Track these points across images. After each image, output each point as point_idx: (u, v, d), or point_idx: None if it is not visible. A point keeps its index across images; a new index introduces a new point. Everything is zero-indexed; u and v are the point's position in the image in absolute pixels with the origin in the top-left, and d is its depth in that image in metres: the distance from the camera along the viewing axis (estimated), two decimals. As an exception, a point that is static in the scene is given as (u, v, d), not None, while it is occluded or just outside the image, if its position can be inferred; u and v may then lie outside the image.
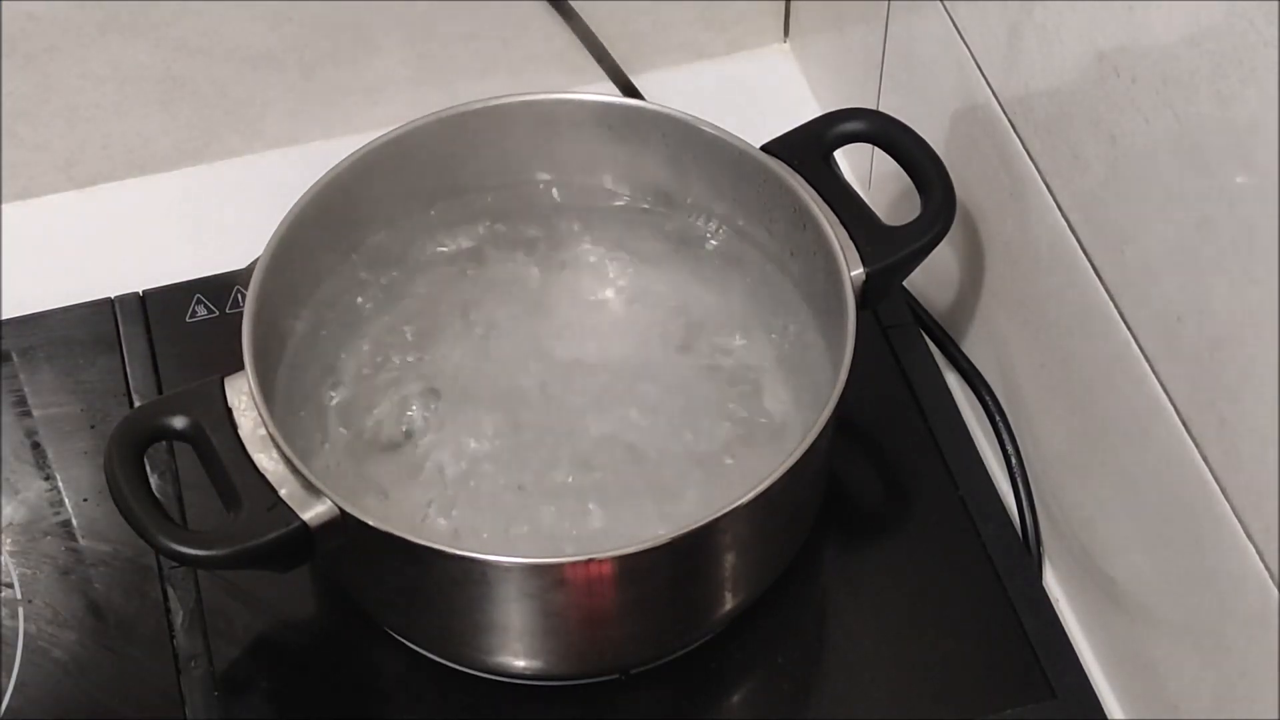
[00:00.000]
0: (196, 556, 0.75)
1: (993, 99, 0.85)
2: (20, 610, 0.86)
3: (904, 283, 0.90)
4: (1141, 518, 0.80)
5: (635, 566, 0.76)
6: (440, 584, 0.78)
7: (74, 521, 0.89)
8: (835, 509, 0.87)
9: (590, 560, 0.74)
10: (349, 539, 0.76)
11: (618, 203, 0.91)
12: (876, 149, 0.93)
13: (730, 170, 0.87)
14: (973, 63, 0.86)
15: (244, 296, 0.81)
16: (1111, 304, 0.78)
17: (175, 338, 0.95)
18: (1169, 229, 0.71)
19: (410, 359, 0.87)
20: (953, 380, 0.95)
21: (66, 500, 0.89)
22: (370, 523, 0.74)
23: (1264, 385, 0.67)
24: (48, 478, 0.90)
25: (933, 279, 0.95)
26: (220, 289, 0.97)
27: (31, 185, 1.05)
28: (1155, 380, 0.75)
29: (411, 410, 0.86)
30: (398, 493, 0.83)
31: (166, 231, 1.04)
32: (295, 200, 0.83)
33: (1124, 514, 0.82)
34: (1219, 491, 0.72)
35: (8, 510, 0.89)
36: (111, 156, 1.05)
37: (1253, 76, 0.63)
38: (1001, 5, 0.82)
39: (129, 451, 0.76)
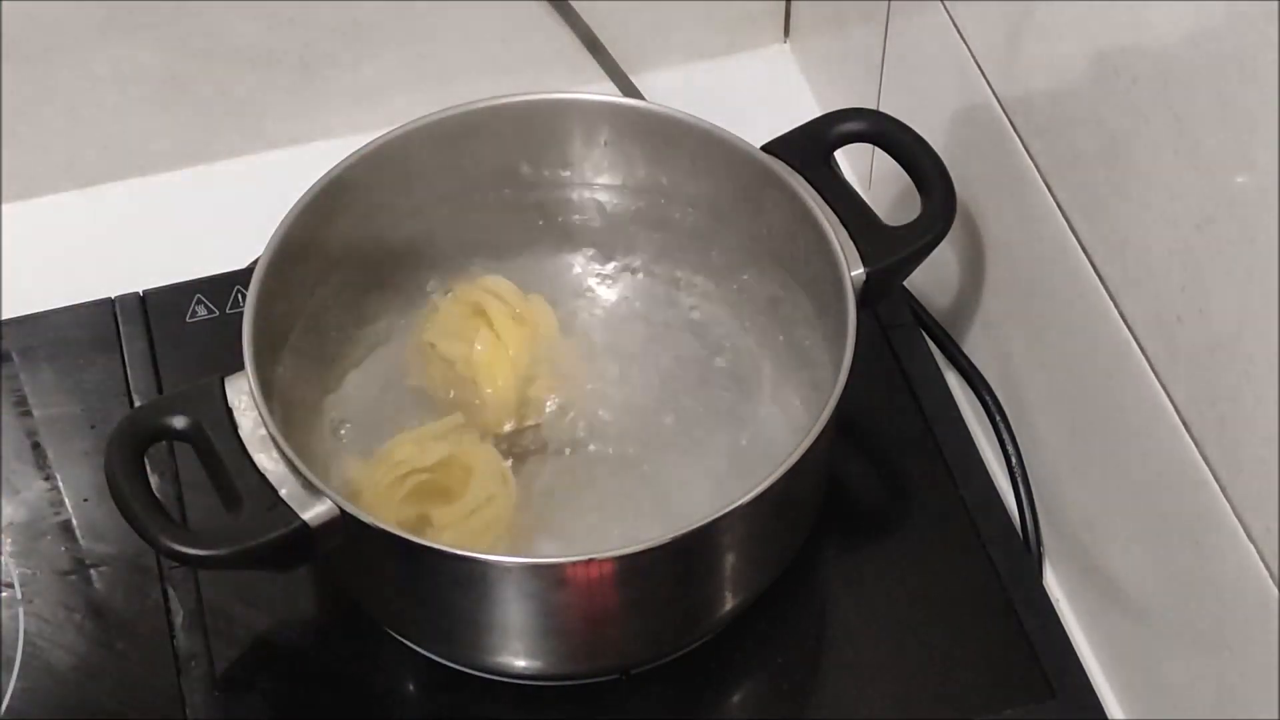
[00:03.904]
0: (196, 556, 0.75)
1: (993, 99, 0.85)
2: (20, 610, 0.86)
3: (904, 283, 0.90)
4: (1141, 518, 0.80)
5: (635, 566, 0.76)
6: (440, 584, 0.78)
7: (74, 521, 0.89)
8: (835, 509, 0.87)
9: (590, 560, 0.74)
10: (349, 539, 0.76)
11: (617, 202, 0.91)
12: (876, 149, 0.93)
13: (730, 170, 0.87)
14: (973, 63, 0.86)
15: (244, 296, 0.81)
16: (1111, 304, 0.78)
17: (175, 338, 0.95)
18: (1169, 229, 0.71)
19: (411, 356, 0.88)
20: (953, 380, 0.95)
21: (66, 500, 0.89)
22: (370, 523, 0.74)
23: (1264, 385, 0.67)
24: (48, 478, 0.90)
25: (933, 279, 0.95)
26: (220, 289, 0.97)
27: (31, 185, 1.05)
28: (1155, 380, 0.75)
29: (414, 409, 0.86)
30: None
31: (166, 231, 1.04)
32: (295, 200, 0.84)
33: (1124, 514, 0.82)
34: (1219, 491, 0.72)
35: (8, 510, 0.89)
36: (111, 156, 1.05)
37: (1253, 76, 0.63)
38: (1001, 5, 0.82)
39: (129, 451, 0.76)
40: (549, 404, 0.86)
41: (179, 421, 0.77)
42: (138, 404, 0.92)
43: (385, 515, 0.77)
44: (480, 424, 0.85)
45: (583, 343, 0.88)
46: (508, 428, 0.85)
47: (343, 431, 0.85)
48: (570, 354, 0.86)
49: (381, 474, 0.81)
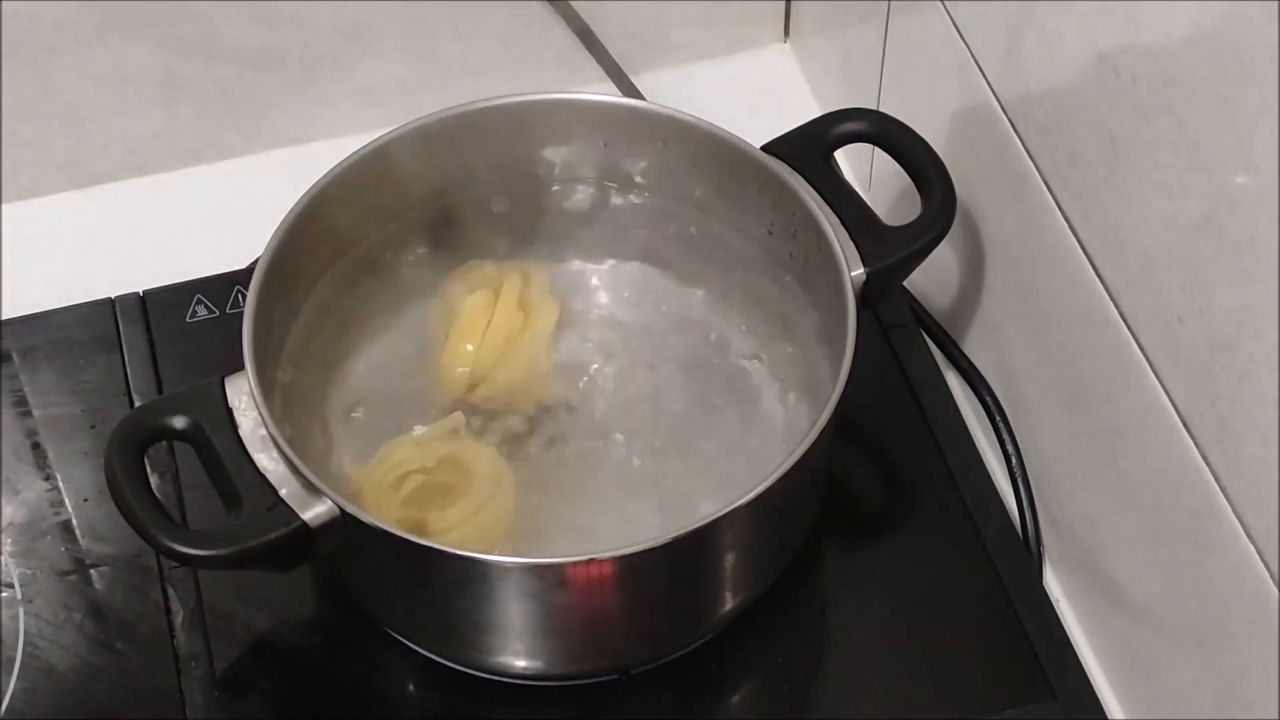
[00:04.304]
0: (196, 556, 0.75)
1: (993, 99, 0.85)
2: (20, 610, 0.86)
3: (904, 283, 0.90)
4: (1141, 518, 0.80)
5: (635, 566, 0.76)
6: (440, 584, 0.78)
7: (74, 521, 0.89)
8: (835, 509, 0.87)
9: (590, 560, 0.74)
10: (349, 539, 0.76)
11: (617, 203, 0.91)
12: (876, 149, 0.93)
13: (731, 170, 0.87)
14: (973, 63, 0.86)
15: (244, 296, 0.81)
16: (1111, 304, 0.78)
17: (175, 338, 0.95)
18: (1169, 229, 0.71)
19: (411, 358, 0.88)
20: (953, 380, 0.95)
21: (67, 500, 0.89)
22: (370, 523, 0.74)
23: (1264, 385, 0.67)
24: (48, 478, 0.90)
25: (933, 279, 0.95)
26: (220, 289, 0.97)
27: (31, 185, 1.05)
28: (1155, 380, 0.75)
29: (414, 411, 0.86)
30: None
31: (166, 231, 1.04)
32: (295, 200, 0.84)
33: (1124, 514, 0.82)
34: (1219, 491, 0.72)
35: (8, 510, 0.89)
36: (111, 156, 1.05)
37: (1253, 76, 0.63)
38: (1001, 5, 0.82)
39: (129, 451, 0.76)
40: (535, 402, 0.86)
41: (179, 421, 0.77)
42: (138, 404, 0.92)
43: (385, 516, 0.77)
44: (439, 376, 0.85)
45: (573, 353, 0.88)
46: (457, 393, 0.85)
47: (343, 430, 0.85)
48: (543, 364, 0.86)
49: (381, 474, 0.81)
